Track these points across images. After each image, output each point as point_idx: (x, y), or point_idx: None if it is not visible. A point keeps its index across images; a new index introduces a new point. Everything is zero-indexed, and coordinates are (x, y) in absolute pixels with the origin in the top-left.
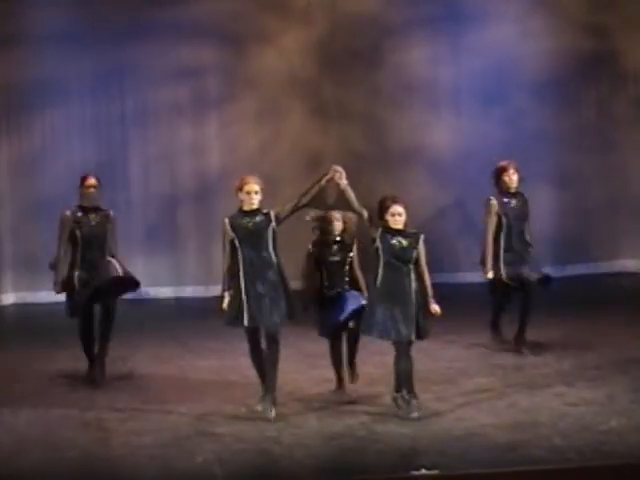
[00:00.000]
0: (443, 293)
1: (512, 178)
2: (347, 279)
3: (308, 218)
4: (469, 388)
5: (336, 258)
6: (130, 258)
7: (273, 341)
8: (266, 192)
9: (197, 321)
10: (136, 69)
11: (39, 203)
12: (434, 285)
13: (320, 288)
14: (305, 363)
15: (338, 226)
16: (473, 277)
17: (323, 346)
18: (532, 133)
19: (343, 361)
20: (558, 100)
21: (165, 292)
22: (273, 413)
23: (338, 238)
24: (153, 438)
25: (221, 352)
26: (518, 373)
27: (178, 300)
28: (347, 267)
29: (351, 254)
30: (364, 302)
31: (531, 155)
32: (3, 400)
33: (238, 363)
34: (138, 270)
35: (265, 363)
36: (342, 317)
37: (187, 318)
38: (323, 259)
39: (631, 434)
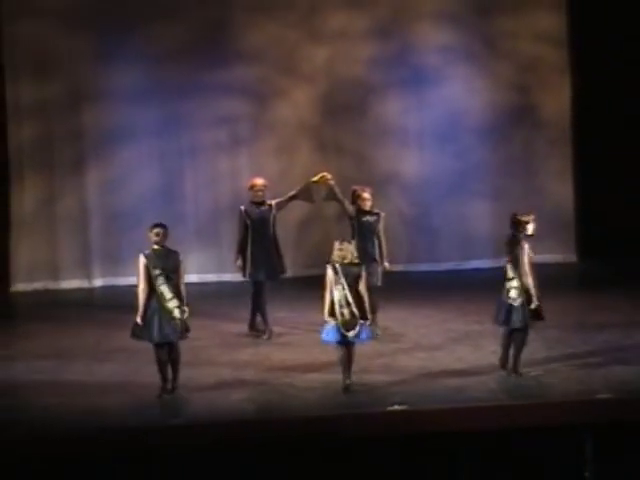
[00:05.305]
0: (409, 278)
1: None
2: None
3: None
4: (429, 346)
5: (348, 280)
6: (185, 254)
7: (265, 290)
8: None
9: (233, 298)
10: (189, 116)
11: (119, 213)
12: (404, 272)
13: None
14: (312, 333)
15: (348, 255)
16: (431, 267)
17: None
18: (476, 163)
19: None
20: (495, 139)
21: (210, 277)
22: (267, 336)
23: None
24: (200, 383)
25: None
26: (466, 337)
27: (220, 283)
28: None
29: (360, 277)
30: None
31: (475, 179)
32: (92, 355)
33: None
34: (191, 262)
35: (262, 305)
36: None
37: (226, 296)
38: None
39: (545, 379)
